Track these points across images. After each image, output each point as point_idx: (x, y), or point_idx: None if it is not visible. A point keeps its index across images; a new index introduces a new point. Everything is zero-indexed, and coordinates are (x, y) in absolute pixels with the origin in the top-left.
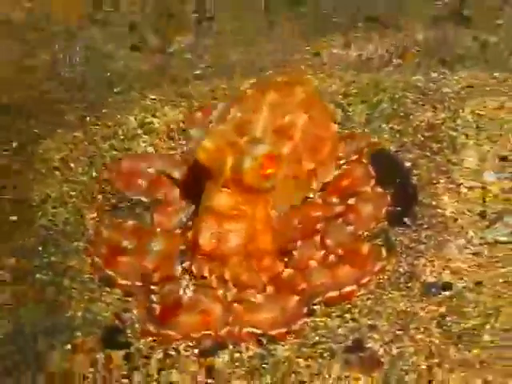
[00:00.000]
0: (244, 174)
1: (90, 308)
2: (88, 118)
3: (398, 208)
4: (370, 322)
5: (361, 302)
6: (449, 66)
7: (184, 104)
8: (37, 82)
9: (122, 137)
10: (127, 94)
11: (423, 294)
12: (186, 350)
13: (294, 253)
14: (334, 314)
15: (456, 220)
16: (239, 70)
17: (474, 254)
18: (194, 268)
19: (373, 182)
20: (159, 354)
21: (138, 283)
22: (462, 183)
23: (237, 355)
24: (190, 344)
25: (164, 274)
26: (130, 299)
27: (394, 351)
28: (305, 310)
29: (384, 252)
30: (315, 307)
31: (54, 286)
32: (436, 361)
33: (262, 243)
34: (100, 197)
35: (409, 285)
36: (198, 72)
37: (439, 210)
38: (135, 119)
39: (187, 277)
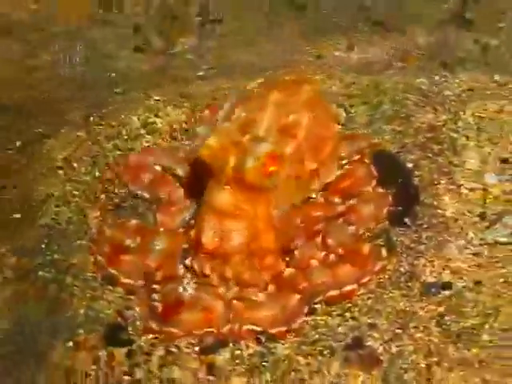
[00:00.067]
0: (246, 172)
1: (92, 306)
2: (91, 118)
3: (399, 208)
4: (369, 321)
5: (361, 301)
6: (450, 69)
7: (186, 104)
8: (37, 82)
9: (125, 137)
10: (130, 94)
11: (423, 293)
12: (187, 347)
13: (296, 252)
14: (334, 313)
15: (456, 220)
16: (241, 70)
17: (473, 254)
18: (195, 266)
19: (374, 182)
20: (160, 351)
21: (141, 282)
22: (462, 184)
23: (237, 353)
24: (192, 341)
25: (167, 272)
26: (132, 297)
27: (394, 350)
28: (306, 308)
29: (384, 252)
30: (316, 306)
31: (56, 284)
32: (435, 359)
33: (265, 242)
34: (103, 196)
35: (409, 284)
36: (200, 73)
37: (440, 211)
38: (138, 119)
39: (189, 275)
